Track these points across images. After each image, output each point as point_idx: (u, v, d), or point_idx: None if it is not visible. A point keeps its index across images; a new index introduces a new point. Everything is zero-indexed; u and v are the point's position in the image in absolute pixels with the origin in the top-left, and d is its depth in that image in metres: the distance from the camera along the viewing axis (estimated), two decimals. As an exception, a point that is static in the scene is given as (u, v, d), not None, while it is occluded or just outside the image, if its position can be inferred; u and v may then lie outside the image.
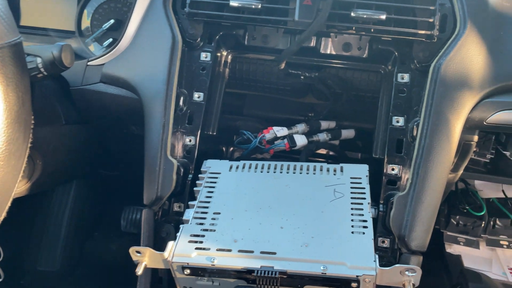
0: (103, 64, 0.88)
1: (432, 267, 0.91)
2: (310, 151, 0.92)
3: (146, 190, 0.77)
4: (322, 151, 1.01)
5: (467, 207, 0.96)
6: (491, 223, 0.95)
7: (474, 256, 0.93)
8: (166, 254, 0.65)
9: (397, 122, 0.79)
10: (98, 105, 0.91)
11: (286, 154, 0.95)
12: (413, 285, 0.59)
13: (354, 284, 0.60)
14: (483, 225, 0.95)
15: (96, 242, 1.49)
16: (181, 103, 0.84)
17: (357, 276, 0.59)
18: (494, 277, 0.86)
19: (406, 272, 0.59)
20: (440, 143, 0.71)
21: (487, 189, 0.99)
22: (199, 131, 0.84)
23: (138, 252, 0.65)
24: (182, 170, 0.81)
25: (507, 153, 0.97)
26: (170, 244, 0.66)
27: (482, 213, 0.95)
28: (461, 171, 0.84)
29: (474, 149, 0.98)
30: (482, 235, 0.96)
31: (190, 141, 0.84)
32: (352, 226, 0.67)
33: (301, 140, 0.91)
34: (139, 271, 0.65)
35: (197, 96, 0.85)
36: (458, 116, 0.72)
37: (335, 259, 0.62)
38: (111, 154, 1.20)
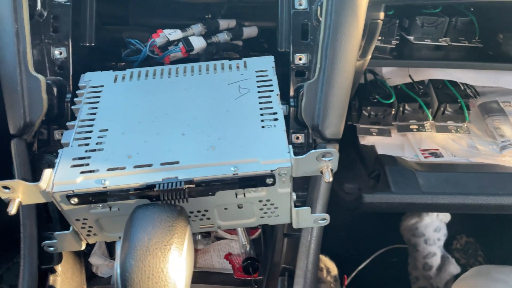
0: None
1: (348, 160, 0.90)
2: (210, 54, 0.82)
3: (10, 116, 0.62)
4: (225, 55, 0.91)
5: (377, 97, 0.95)
6: (401, 109, 0.95)
7: (387, 144, 0.93)
8: (43, 184, 0.52)
9: (300, 5, 0.71)
10: None
11: (185, 61, 0.83)
12: (331, 170, 0.54)
13: (269, 180, 0.54)
14: (393, 112, 0.95)
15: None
16: (38, 6, 0.67)
17: (271, 170, 0.53)
18: (407, 159, 0.87)
19: (323, 158, 0.54)
20: (347, 18, 0.64)
21: (395, 76, 0.98)
22: (70, 40, 0.69)
23: (6, 188, 0.52)
24: (55, 89, 0.66)
25: (411, 38, 0.96)
26: (47, 172, 0.54)
27: (391, 101, 0.94)
28: (369, 57, 0.80)
29: (380, 37, 0.95)
30: (393, 123, 0.96)
31: (60, 53, 0.69)
32: (262, 121, 0.60)
33: (198, 42, 0.79)
34: (12, 210, 0.52)
35: (60, -5, 0.69)
36: (363, -12, 0.65)
37: (246, 157, 0.55)
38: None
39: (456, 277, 1.28)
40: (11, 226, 0.72)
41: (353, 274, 1.33)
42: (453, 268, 1.35)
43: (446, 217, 1.40)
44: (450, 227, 1.42)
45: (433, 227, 1.39)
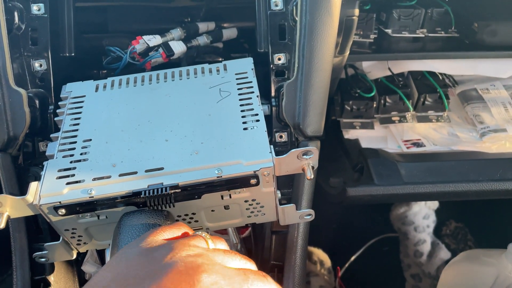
0: None
1: (333, 155, 0.92)
2: (192, 57, 0.82)
3: (-6, 132, 0.62)
4: (206, 58, 0.91)
5: (358, 91, 0.96)
6: (382, 102, 0.97)
7: (370, 137, 0.95)
8: (30, 197, 0.53)
9: (276, 5, 0.72)
10: None
11: (166, 66, 0.84)
12: (312, 167, 0.56)
13: (253, 181, 0.55)
14: (374, 105, 0.96)
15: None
16: (16, 19, 0.67)
17: (254, 171, 0.54)
18: (390, 151, 0.89)
19: (304, 156, 0.55)
20: (322, 17, 0.65)
21: (375, 70, 0.99)
22: (50, 52, 0.69)
23: (-7, 203, 0.53)
24: (37, 101, 0.67)
25: (389, 31, 0.98)
26: (33, 185, 0.54)
27: (373, 94, 0.96)
28: (347, 52, 0.81)
29: (358, 32, 0.97)
30: (375, 116, 0.98)
31: (40, 65, 0.69)
32: (244, 123, 0.61)
33: (178, 47, 0.80)
34: (1, 224, 0.53)
35: (37, 8, 0.69)
36: (335, -14, 0.66)
37: (230, 159, 0.56)
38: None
39: (447, 262, 1.31)
40: (3, 239, 0.72)
41: (346, 265, 1.35)
42: (444, 253, 1.38)
43: (434, 204, 1.43)
44: (439, 213, 1.45)
45: (422, 215, 1.41)
